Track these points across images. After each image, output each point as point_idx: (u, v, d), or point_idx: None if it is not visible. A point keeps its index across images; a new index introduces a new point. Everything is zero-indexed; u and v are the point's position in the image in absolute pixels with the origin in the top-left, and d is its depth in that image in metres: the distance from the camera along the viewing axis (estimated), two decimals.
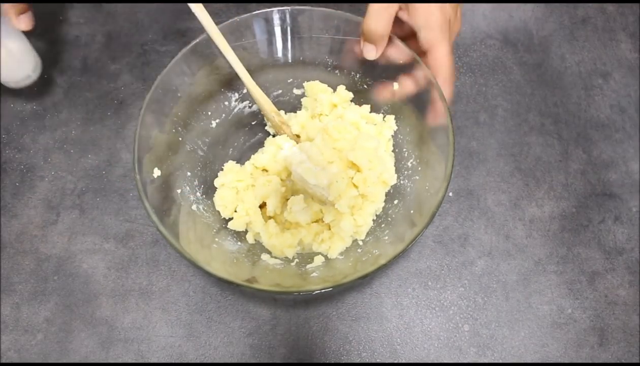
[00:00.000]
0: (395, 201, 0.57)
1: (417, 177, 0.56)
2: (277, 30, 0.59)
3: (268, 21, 0.58)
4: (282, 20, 0.58)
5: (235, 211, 0.57)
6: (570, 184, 0.66)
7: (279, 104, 0.62)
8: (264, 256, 0.55)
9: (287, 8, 0.57)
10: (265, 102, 0.60)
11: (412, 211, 0.53)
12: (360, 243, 0.56)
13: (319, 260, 0.55)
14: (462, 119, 0.70)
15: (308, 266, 0.54)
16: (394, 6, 0.51)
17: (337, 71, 0.62)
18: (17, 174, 0.66)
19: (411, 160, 0.58)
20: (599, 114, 0.70)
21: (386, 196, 0.58)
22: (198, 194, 0.58)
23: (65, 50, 0.73)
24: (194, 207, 0.56)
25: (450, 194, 0.65)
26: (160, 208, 0.49)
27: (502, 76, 0.73)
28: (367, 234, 0.56)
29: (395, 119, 0.60)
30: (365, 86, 0.61)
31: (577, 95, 0.72)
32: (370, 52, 0.54)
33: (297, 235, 0.56)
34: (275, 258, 0.56)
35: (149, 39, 0.75)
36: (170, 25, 0.76)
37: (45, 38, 0.74)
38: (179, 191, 0.55)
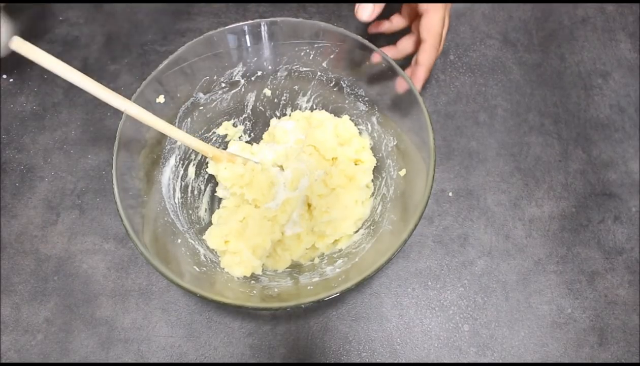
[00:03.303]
0: (381, 207, 0.57)
1: (402, 182, 0.56)
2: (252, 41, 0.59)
3: (243, 34, 0.57)
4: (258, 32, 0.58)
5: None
6: (569, 184, 0.66)
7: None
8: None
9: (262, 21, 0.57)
10: (206, 149, 0.56)
11: (397, 217, 0.53)
12: (352, 250, 0.56)
13: (313, 271, 0.55)
14: (462, 119, 0.70)
15: (301, 277, 0.55)
16: None
17: (314, 80, 0.62)
18: (17, 174, 0.66)
19: (394, 167, 0.58)
20: (599, 114, 0.71)
21: (373, 200, 0.58)
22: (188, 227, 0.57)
23: (65, 50, 0.73)
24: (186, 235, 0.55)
25: (450, 194, 0.65)
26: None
27: (502, 75, 0.73)
28: (356, 243, 0.56)
29: (377, 122, 0.60)
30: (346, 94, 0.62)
31: (576, 95, 0.72)
32: (366, 11, 0.53)
33: (288, 256, 0.57)
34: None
35: (149, 39, 0.75)
36: (170, 25, 0.76)
37: (46, 38, 0.74)
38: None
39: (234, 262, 0.53)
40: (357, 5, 0.53)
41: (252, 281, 0.53)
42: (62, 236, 0.62)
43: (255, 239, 0.53)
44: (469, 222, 0.63)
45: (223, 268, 0.54)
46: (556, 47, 0.76)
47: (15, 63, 0.72)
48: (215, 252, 0.56)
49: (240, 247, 0.53)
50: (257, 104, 0.64)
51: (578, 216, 0.64)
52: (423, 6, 0.55)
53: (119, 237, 0.62)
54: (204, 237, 0.56)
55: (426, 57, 0.56)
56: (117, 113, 0.50)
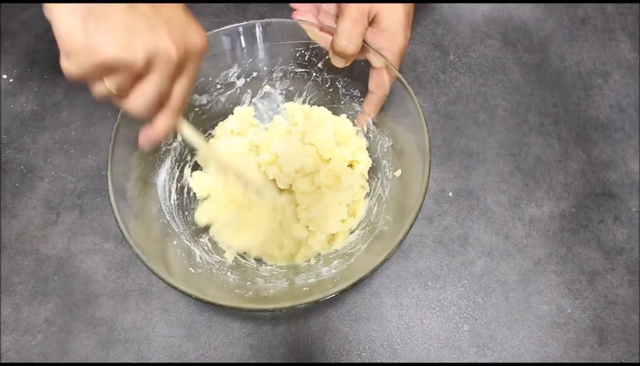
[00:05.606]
0: (376, 207, 0.57)
1: (398, 183, 0.55)
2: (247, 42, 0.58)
3: (240, 34, 0.57)
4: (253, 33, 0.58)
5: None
6: (569, 184, 0.66)
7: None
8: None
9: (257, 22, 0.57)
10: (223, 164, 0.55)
11: (392, 217, 0.53)
12: (348, 250, 0.56)
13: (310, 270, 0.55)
14: (462, 119, 0.70)
15: (297, 278, 0.54)
16: (364, 25, 0.51)
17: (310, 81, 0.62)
18: (17, 174, 0.66)
19: (390, 167, 0.57)
20: (599, 114, 0.71)
21: (368, 200, 0.59)
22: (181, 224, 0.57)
23: None
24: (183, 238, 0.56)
25: (450, 194, 0.65)
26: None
27: (502, 76, 0.73)
28: (352, 244, 0.56)
29: (372, 122, 0.60)
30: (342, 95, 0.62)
31: (576, 95, 0.72)
32: (339, 64, 0.54)
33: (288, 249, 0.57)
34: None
35: None
36: None
37: (46, 38, 0.74)
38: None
39: (232, 235, 0.55)
40: (331, 55, 0.54)
41: (248, 283, 0.53)
42: (62, 236, 0.62)
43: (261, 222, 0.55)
44: (469, 222, 0.63)
45: (221, 261, 0.54)
46: (556, 47, 0.75)
47: (15, 63, 0.73)
48: (212, 253, 0.56)
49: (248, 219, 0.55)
50: None
51: (578, 216, 0.64)
52: (383, 63, 0.54)
53: (119, 237, 0.62)
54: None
55: (371, 109, 0.57)
56: (118, 113, 0.50)
